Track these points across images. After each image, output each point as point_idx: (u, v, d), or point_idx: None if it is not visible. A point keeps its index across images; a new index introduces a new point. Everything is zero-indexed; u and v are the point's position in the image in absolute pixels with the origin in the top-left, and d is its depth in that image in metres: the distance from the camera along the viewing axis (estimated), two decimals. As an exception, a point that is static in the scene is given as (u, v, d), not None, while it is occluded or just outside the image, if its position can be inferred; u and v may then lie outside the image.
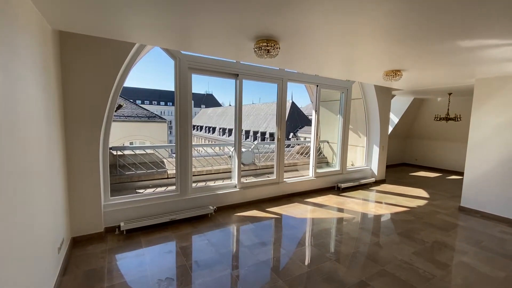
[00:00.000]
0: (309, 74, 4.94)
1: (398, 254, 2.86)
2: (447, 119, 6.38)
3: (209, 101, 63.57)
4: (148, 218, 3.36)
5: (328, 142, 7.67)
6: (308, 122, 33.61)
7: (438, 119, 6.59)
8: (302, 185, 5.10)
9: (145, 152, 5.23)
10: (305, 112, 35.19)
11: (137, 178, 4.88)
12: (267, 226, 3.58)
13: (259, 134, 34.49)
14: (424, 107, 8.18)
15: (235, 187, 4.31)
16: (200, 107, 61.73)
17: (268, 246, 3.02)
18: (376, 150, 6.29)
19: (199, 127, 48.74)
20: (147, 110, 17.83)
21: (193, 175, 4.93)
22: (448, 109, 6.44)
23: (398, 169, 8.21)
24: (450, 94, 6.36)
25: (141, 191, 4.63)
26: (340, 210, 4.29)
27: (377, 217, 3.98)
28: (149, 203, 3.48)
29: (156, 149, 5.49)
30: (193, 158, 5.71)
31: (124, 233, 3.19)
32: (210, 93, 68.97)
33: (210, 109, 53.31)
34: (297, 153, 7.54)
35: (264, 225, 3.60)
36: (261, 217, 3.88)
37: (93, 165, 2.99)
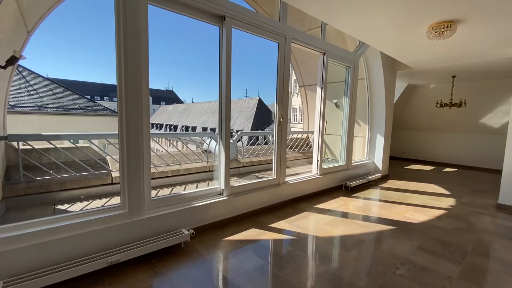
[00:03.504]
0: (315, 37, 3.69)
1: (513, 297, 1.73)
2: (451, 105, 5.73)
3: (169, 97, 59.70)
4: (61, 267, 1.71)
5: (319, 134, 6.57)
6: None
7: (440, 105, 5.93)
8: (307, 186, 3.82)
9: (74, 146, 3.42)
10: (272, 110, 34.61)
11: (59, 186, 3.07)
12: (284, 260, 2.18)
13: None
14: (414, 95, 7.60)
15: (221, 194, 2.83)
16: (160, 104, 57.80)
17: (300, 304, 1.64)
18: (380, 141, 5.33)
19: (158, 126, 45.23)
20: (94, 102, 15.00)
21: (153, 178, 3.35)
22: (451, 94, 5.79)
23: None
24: (454, 77, 5.71)
25: (63, 207, 2.86)
26: (367, 218, 3.10)
27: (421, 227, 2.88)
28: (65, 235, 1.83)
29: (93, 143, 3.68)
30: (152, 154, 4.05)
31: (1, 306, 1.51)
32: (171, 89, 65.00)
33: (171, 106, 49.98)
34: (285, 146, 6.28)
35: (278, 257, 2.20)
36: (267, 240, 2.47)
37: None
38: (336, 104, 5.26)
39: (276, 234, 2.59)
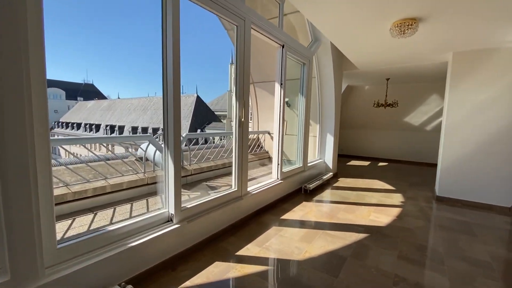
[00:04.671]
0: (276, 26, 3.27)
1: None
2: (386, 105, 6.24)
3: (89, 92, 51.64)
4: None
5: (269, 134, 6.30)
6: (215, 118, 32.16)
7: (377, 105, 6.39)
8: (269, 194, 3.39)
9: None
10: (211, 108, 33.54)
11: None
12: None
13: (160, 132, 30.21)
14: (352, 95, 8.12)
15: (170, 220, 2.10)
16: (76, 99, 49.51)
17: None
18: (330, 140, 5.35)
19: (75, 125, 38.57)
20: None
21: (59, 204, 2.42)
22: (386, 96, 6.31)
23: (332, 160, 7.81)
24: (388, 79, 6.22)
25: None
26: (338, 227, 2.86)
27: (390, 230, 2.79)
28: None
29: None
30: (60, 168, 2.91)
31: None
32: (90, 82, 56.44)
33: (91, 102, 43.29)
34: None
35: (254, 301, 1.66)
36: (237, 278, 1.90)
37: None
38: (287, 103, 5.02)
39: (247, 265, 2.04)
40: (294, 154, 4.55)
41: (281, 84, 3.54)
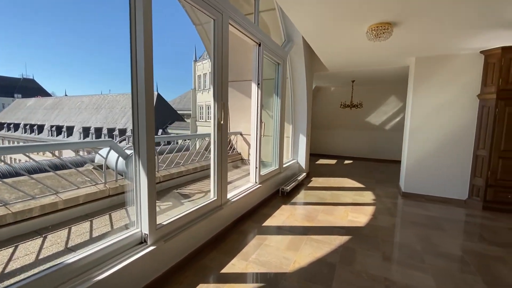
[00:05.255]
0: (253, 23, 3.10)
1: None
2: (352, 106, 6.51)
3: (28, 88, 45.51)
4: None
5: (241, 134, 6.12)
6: (178, 117, 30.76)
7: (343, 106, 6.64)
8: (249, 200, 3.22)
9: None
10: (173, 107, 32.04)
11: None
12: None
13: (116, 132, 27.92)
14: (319, 96, 8.34)
15: (144, 242, 1.80)
16: (13, 96, 43.41)
17: None
18: (302, 140, 5.39)
19: (12, 126, 33.73)
20: None
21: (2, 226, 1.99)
22: (352, 97, 6.58)
23: (301, 159, 7.94)
24: (353, 81, 6.49)
25: None
26: (321, 230, 2.83)
27: (369, 230, 2.85)
28: None
29: None
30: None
31: None
32: (30, 77, 49.79)
33: (32, 100, 38.31)
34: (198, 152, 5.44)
35: (249, 328, 1.48)
36: (226, 299, 1.70)
37: None
38: (259, 103, 4.90)
39: (236, 285, 1.85)
40: (268, 155, 4.45)
41: (258, 84, 3.39)
